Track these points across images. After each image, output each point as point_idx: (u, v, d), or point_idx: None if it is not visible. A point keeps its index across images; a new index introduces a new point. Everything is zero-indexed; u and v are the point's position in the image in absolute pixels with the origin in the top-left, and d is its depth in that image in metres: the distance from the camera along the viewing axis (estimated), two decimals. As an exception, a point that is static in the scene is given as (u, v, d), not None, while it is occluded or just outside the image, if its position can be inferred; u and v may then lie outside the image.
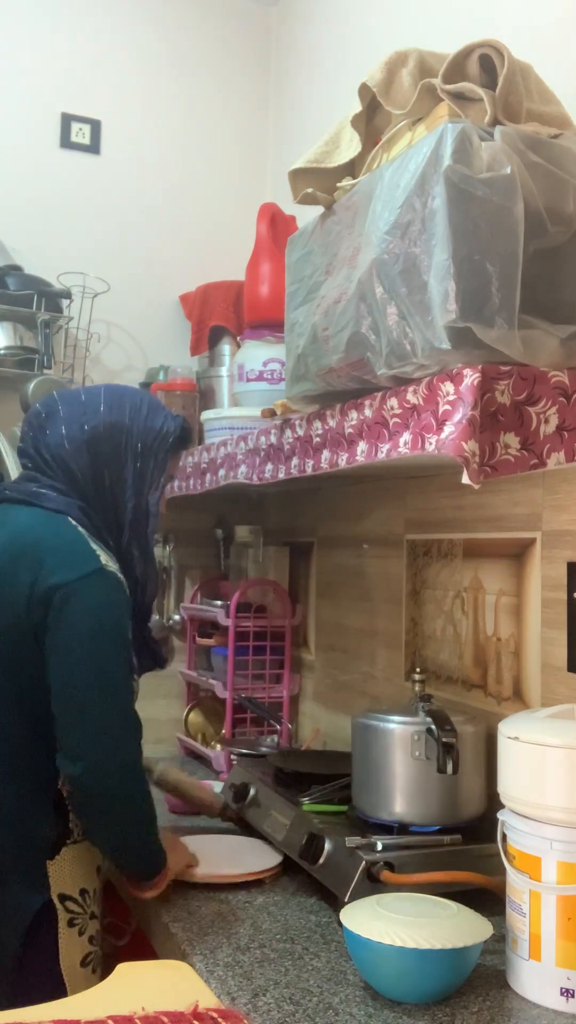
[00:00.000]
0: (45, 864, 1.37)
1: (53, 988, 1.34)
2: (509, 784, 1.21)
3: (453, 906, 1.24)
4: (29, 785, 1.36)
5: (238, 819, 1.81)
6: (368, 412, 1.39)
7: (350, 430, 1.44)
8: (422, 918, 1.18)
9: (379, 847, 1.40)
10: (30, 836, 1.36)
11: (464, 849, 1.43)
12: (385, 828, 1.49)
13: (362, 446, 1.40)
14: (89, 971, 1.40)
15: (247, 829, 1.78)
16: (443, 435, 1.18)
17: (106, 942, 1.64)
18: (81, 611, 1.32)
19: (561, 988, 1.14)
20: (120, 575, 1.39)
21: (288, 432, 1.69)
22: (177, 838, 1.57)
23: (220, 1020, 0.88)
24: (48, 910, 1.36)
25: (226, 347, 2.54)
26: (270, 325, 2.15)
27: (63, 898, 1.38)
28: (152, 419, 1.50)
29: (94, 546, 1.38)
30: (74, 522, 1.41)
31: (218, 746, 2.37)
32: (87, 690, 1.31)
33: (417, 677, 1.62)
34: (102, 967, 1.44)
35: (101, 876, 1.48)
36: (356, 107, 1.46)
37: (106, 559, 1.38)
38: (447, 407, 1.18)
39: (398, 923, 1.16)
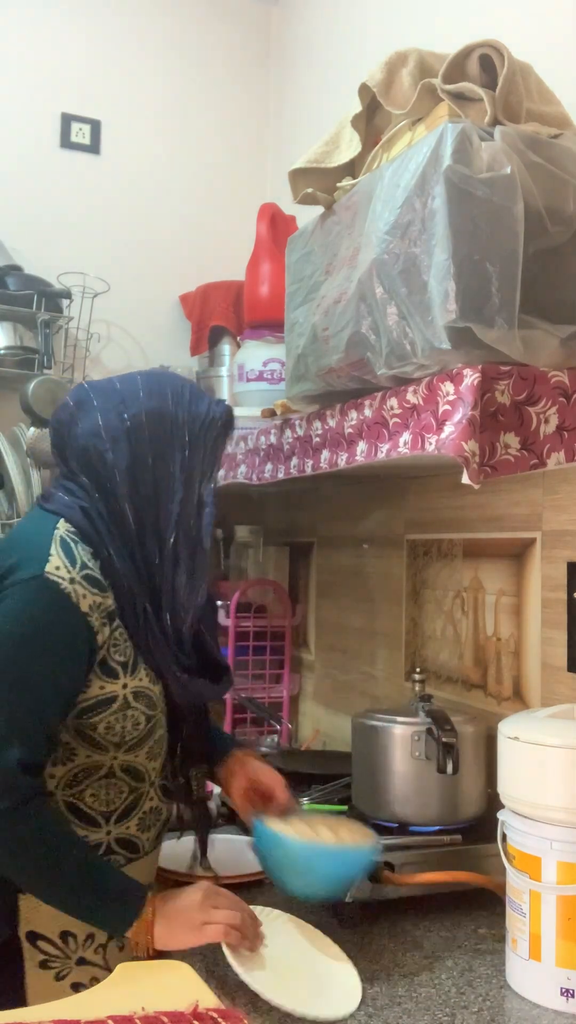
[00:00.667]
0: (16, 897, 1.26)
1: None
2: (509, 784, 1.21)
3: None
4: None
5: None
6: (368, 412, 1.39)
7: (350, 430, 1.44)
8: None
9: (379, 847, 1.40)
10: None
11: (464, 849, 1.43)
12: (385, 828, 1.49)
13: (362, 446, 1.40)
14: None
15: (246, 830, 1.78)
16: (443, 435, 1.18)
17: None
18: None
19: (561, 988, 1.14)
20: (68, 586, 1.22)
21: (288, 432, 1.69)
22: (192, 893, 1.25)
23: (220, 1020, 0.88)
24: (12, 946, 1.26)
25: (226, 347, 2.53)
26: (270, 325, 2.15)
27: (33, 937, 1.26)
28: (197, 404, 1.35)
29: (54, 551, 1.25)
30: (63, 524, 1.29)
31: (218, 746, 2.37)
32: None
33: (417, 677, 1.62)
34: None
35: None
36: (356, 107, 1.46)
37: (58, 564, 1.23)
38: (447, 407, 1.18)
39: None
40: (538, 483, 1.57)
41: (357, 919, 1.37)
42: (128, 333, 2.71)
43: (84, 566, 1.25)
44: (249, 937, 1.21)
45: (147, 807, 1.36)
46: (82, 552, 1.26)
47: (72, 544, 1.26)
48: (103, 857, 1.29)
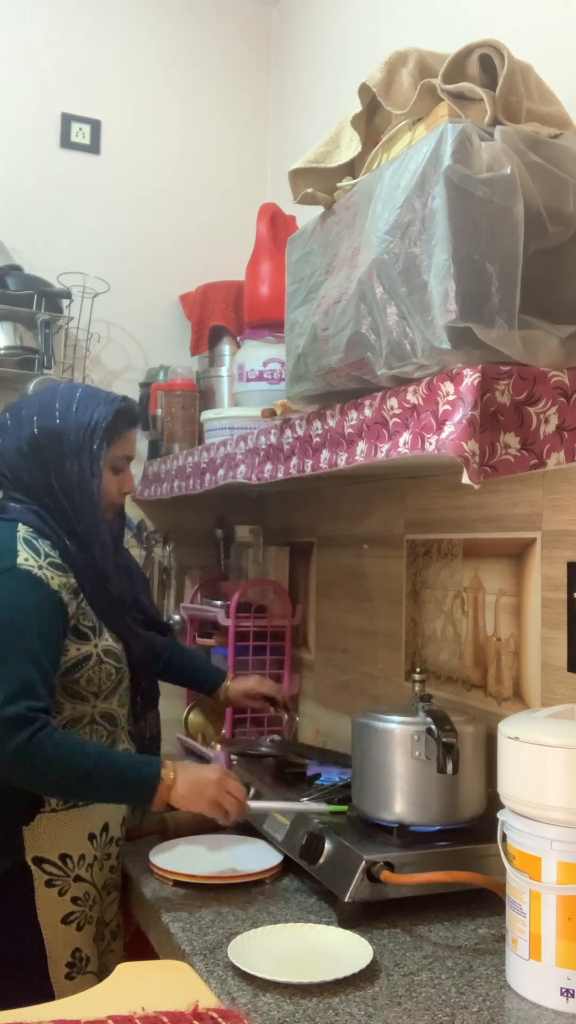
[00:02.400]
0: (21, 830, 1.52)
1: (30, 938, 1.50)
2: (509, 784, 1.21)
3: None
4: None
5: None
6: (368, 412, 1.39)
7: (350, 430, 1.44)
8: None
9: (379, 847, 1.40)
10: (3, 805, 1.51)
11: (464, 849, 1.43)
12: (385, 828, 1.49)
13: (362, 446, 1.40)
14: (73, 928, 1.54)
15: (246, 829, 1.78)
16: (443, 435, 1.18)
17: (105, 940, 1.65)
18: None
19: (561, 988, 1.14)
20: (39, 571, 1.51)
21: (288, 432, 1.69)
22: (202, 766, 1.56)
23: (220, 1020, 0.88)
24: (21, 871, 1.51)
25: (226, 347, 2.53)
26: (270, 325, 2.15)
27: (39, 861, 1.52)
28: (81, 413, 1.60)
29: (20, 548, 1.52)
30: (22, 527, 1.56)
31: (218, 746, 2.36)
32: None
33: (417, 677, 1.61)
34: (97, 926, 1.59)
35: (99, 843, 1.60)
36: (356, 107, 1.46)
37: (26, 557, 1.52)
38: (447, 407, 1.18)
39: None
40: (538, 483, 1.57)
41: (357, 919, 1.37)
42: (128, 333, 2.71)
43: (47, 555, 1.55)
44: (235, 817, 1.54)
45: (120, 748, 1.65)
46: (43, 545, 1.56)
47: (34, 540, 1.55)
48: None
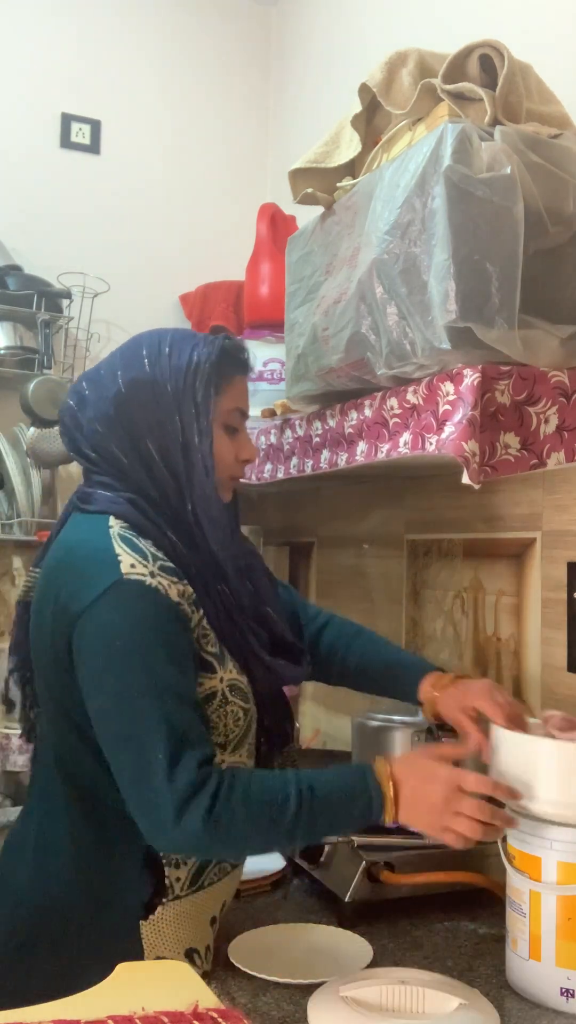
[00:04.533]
0: (138, 927, 1.16)
1: None
2: (508, 784, 1.20)
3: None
4: (110, 847, 1.17)
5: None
6: (368, 412, 1.39)
7: (350, 430, 1.44)
8: None
9: (379, 847, 1.40)
10: (114, 904, 1.17)
11: (464, 849, 1.43)
12: (385, 828, 1.48)
13: (362, 446, 1.41)
14: None
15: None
16: (443, 435, 1.18)
17: None
18: (92, 639, 1.12)
19: (561, 988, 1.14)
20: (152, 580, 1.13)
21: (288, 432, 1.69)
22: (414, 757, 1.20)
23: (220, 1020, 0.88)
24: None
25: (226, 347, 2.53)
26: (270, 325, 2.15)
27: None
28: (177, 357, 1.23)
29: (120, 550, 1.14)
30: (114, 520, 1.18)
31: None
32: (115, 741, 1.11)
33: (417, 677, 1.61)
34: None
35: (216, 928, 1.26)
36: (356, 107, 1.46)
37: (132, 562, 1.13)
38: (447, 407, 1.18)
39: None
40: (538, 483, 1.57)
41: (357, 919, 1.37)
42: (128, 333, 2.66)
43: (155, 558, 1.16)
44: (500, 819, 1.13)
45: None
46: (145, 545, 1.17)
47: (133, 539, 1.16)
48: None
